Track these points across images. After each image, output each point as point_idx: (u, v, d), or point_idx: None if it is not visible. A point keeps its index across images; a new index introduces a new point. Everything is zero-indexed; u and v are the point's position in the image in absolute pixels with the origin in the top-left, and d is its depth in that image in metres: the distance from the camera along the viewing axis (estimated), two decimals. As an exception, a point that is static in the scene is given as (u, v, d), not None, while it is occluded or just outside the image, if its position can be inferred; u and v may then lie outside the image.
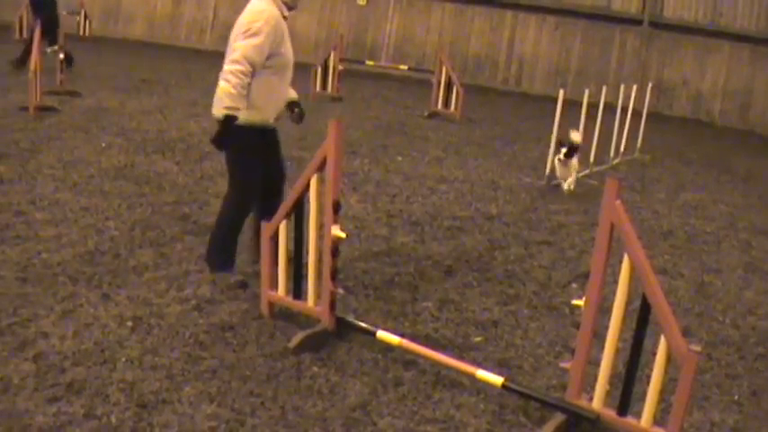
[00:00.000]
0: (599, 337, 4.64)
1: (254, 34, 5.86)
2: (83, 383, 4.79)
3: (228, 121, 5.83)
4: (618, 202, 4.29)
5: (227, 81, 5.78)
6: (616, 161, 11.71)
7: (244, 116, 5.90)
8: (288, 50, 6.17)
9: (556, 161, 9.68)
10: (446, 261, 6.98)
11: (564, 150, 9.48)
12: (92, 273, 6.25)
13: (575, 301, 4.66)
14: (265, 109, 6.12)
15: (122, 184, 8.43)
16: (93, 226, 7.22)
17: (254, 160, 6.22)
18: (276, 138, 6.51)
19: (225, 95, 5.79)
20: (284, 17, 6.11)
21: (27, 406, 4.55)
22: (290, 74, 6.32)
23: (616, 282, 4.46)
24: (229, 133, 5.88)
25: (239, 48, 5.84)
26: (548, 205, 9.03)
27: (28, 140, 9.84)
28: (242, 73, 5.79)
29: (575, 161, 9.69)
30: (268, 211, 5.97)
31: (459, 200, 8.88)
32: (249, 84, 5.87)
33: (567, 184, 9.65)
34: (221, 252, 6.31)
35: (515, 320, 6.00)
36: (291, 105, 6.50)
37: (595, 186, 10.03)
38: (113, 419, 4.48)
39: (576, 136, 9.72)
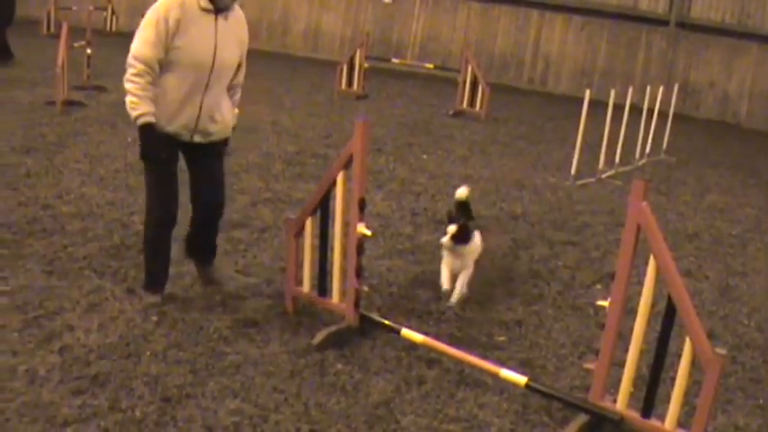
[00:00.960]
0: (623, 338, 4.63)
1: (143, 27, 5.28)
2: (108, 376, 4.83)
3: (144, 129, 5.31)
4: (644, 203, 4.28)
5: (126, 90, 5.30)
6: (641, 162, 11.66)
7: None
8: (195, 47, 5.33)
9: (443, 249, 6.23)
10: (470, 260, 6.97)
11: (451, 230, 6.17)
12: (117, 267, 6.29)
13: (599, 302, 4.65)
14: (162, 116, 5.36)
15: (148, 179, 8.43)
16: (118, 220, 7.26)
17: (158, 174, 5.63)
18: (207, 159, 5.74)
19: (128, 106, 5.31)
20: (205, 9, 5.32)
21: (52, 398, 4.59)
22: (204, 79, 5.41)
23: (641, 283, 4.45)
24: (151, 141, 5.35)
25: (131, 47, 5.31)
26: (573, 205, 9.01)
27: (55, 135, 9.89)
28: (136, 75, 5.26)
29: (473, 244, 6.28)
30: (194, 241, 6.04)
31: (485, 198, 8.87)
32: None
33: (457, 295, 6.18)
34: (145, 271, 5.91)
35: (539, 320, 5.99)
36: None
37: (620, 187, 10.00)
38: (137, 413, 4.50)
39: (462, 192, 6.81)
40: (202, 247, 6.09)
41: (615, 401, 4.59)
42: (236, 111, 5.88)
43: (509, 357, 5.38)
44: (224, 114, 5.65)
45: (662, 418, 4.42)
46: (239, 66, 5.73)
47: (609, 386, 4.67)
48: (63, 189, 7.99)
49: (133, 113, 5.30)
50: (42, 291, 5.81)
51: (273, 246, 6.92)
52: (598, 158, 10.36)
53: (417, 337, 5.15)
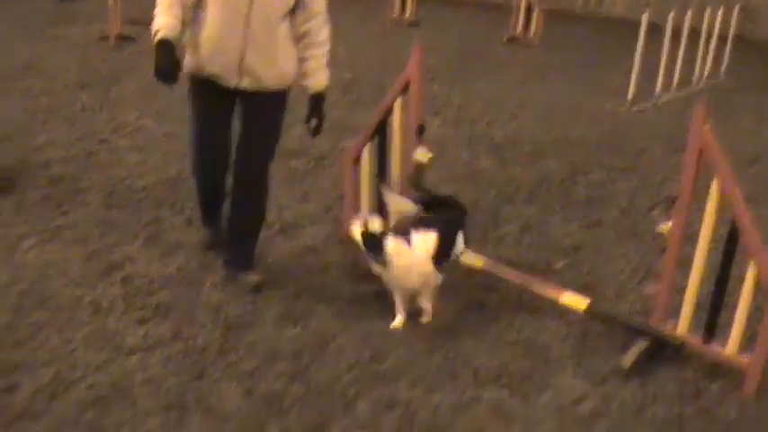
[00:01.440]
0: (683, 263, 4.58)
1: None
2: (170, 306, 4.89)
3: (156, 45, 4.58)
4: (706, 126, 4.20)
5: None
6: (699, 86, 11.46)
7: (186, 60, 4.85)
8: None
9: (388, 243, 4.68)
10: (528, 185, 6.92)
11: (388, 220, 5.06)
12: (175, 198, 6.32)
13: (661, 226, 4.59)
14: (201, 55, 4.76)
15: (204, 111, 8.44)
16: (175, 152, 7.28)
17: (197, 116, 5.11)
18: (253, 113, 4.97)
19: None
20: None
21: (117, 327, 4.66)
22: (243, 9, 4.63)
23: (701, 209, 4.38)
24: (161, 59, 4.57)
25: None
26: (630, 130, 8.89)
27: (109, 69, 9.92)
28: None
29: (427, 238, 4.80)
30: (227, 228, 5.33)
31: (541, 124, 8.78)
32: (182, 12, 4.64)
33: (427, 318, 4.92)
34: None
35: (598, 245, 5.95)
36: (312, 101, 5.09)
37: (678, 112, 9.84)
38: (200, 341, 4.56)
39: (422, 154, 5.27)
40: (229, 242, 5.32)
41: (676, 326, 4.56)
42: (320, 76, 5.04)
43: (568, 282, 5.33)
44: (280, 60, 4.82)
45: (724, 343, 4.39)
46: (304, 8, 4.82)
47: (670, 311, 4.63)
48: (119, 123, 8.03)
49: (152, 33, 4.61)
50: (102, 223, 5.87)
51: (331, 174, 6.92)
52: (655, 83, 10.19)
53: (477, 261, 5.13)
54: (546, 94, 10.45)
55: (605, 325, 4.85)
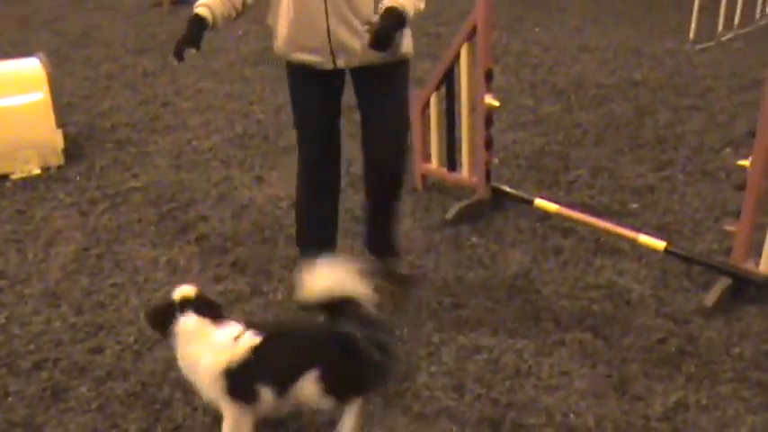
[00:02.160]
0: (761, 199, 4.48)
1: None
2: (246, 262, 4.92)
3: (189, 20, 4.08)
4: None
5: None
6: (762, 23, 11.21)
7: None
8: None
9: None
10: (595, 129, 6.82)
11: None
12: (243, 156, 6.34)
13: (740, 162, 4.50)
14: (288, 43, 4.03)
15: (263, 70, 8.45)
16: (238, 111, 7.30)
17: (302, 111, 4.37)
18: (370, 94, 4.24)
19: None
20: None
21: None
22: None
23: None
24: (184, 36, 4.07)
25: None
26: (694, 70, 8.72)
27: (165, 34, 9.93)
28: None
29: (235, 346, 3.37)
30: (365, 224, 4.72)
31: (603, 68, 8.64)
32: None
33: None
34: (297, 233, 4.74)
35: (671, 186, 5.85)
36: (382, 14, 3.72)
37: (741, 49, 9.65)
38: (279, 295, 4.58)
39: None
40: (370, 234, 4.68)
41: (758, 264, 4.47)
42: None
43: (644, 224, 5.27)
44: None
45: (808, 278, 4.32)
46: None
47: (751, 249, 4.55)
48: (180, 85, 8.06)
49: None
50: (172, 184, 5.92)
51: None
52: (716, 21, 9.99)
53: (551, 206, 5.07)
54: (606, 37, 10.28)
55: (684, 264, 4.78)
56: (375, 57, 3.89)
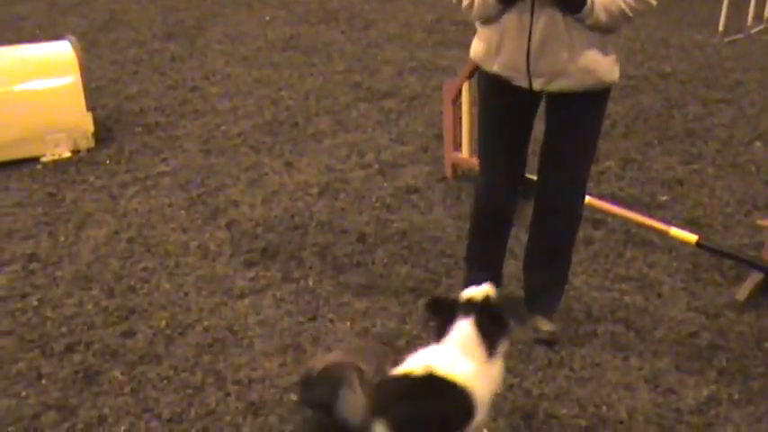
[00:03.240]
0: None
1: None
2: (277, 248, 4.92)
3: None
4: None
5: None
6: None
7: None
8: None
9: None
10: (624, 120, 6.79)
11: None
12: (272, 142, 6.35)
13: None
14: (485, 49, 3.74)
15: (291, 55, 8.46)
16: (267, 97, 7.30)
17: (489, 127, 4.01)
18: (558, 120, 3.83)
19: None
20: None
21: (226, 271, 4.71)
22: None
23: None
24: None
25: None
26: (723, 62, 8.67)
27: (193, 18, 9.93)
28: None
29: None
30: (526, 259, 4.30)
31: (631, 59, 8.59)
32: None
33: None
34: (467, 251, 4.44)
35: (700, 179, 5.83)
36: None
37: (772, 41, 9.61)
38: (310, 282, 4.59)
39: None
40: (530, 272, 4.29)
41: (790, 259, 4.47)
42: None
43: (674, 216, 5.25)
44: (582, 53, 3.55)
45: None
46: None
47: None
48: (209, 70, 8.06)
49: None
50: (202, 169, 5.92)
51: (424, 113, 6.86)
52: (746, 13, 9.92)
53: (583, 197, 5.07)
54: (634, 28, 10.21)
55: (715, 258, 4.76)
56: (574, 87, 3.63)
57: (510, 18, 3.54)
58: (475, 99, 5.33)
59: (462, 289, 3.42)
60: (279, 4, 10.60)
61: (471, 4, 3.57)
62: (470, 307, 3.22)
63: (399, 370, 3.15)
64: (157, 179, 5.79)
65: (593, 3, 3.37)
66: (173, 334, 4.20)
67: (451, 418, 3.08)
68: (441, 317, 3.28)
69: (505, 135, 3.97)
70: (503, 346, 3.23)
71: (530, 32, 3.51)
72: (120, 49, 8.75)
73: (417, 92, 7.35)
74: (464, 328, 3.17)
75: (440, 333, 3.23)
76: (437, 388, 3.06)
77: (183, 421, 3.64)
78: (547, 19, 3.47)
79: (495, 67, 3.72)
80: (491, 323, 3.20)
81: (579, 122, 3.82)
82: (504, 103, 3.87)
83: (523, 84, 3.67)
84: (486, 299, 3.25)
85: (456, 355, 3.13)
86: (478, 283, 3.36)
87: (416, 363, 3.14)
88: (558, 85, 3.63)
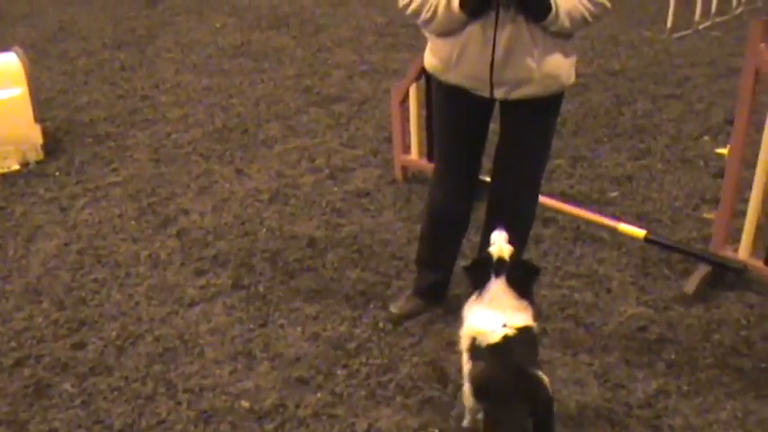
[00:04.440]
0: (739, 187, 4.51)
1: None
2: (227, 255, 4.92)
3: None
4: (762, 45, 4.09)
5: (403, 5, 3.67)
6: (738, 11, 11.26)
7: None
8: None
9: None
10: (574, 118, 6.84)
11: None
12: (223, 149, 6.34)
13: (718, 150, 4.53)
14: (441, 61, 3.72)
15: (241, 62, 8.45)
16: (217, 104, 7.29)
17: (446, 134, 4.00)
18: (514, 125, 3.84)
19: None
20: None
21: (177, 280, 4.69)
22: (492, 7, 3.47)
23: (757, 131, 4.31)
24: None
25: None
26: (671, 58, 8.75)
27: (143, 28, 9.91)
28: None
29: None
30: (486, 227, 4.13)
31: (581, 57, 8.57)
32: None
33: None
34: (418, 253, 4.43)
35: (650, 174, 5.88)
36: None
37: (718, 38, 9.69)
38: (261, 288, 4.59)
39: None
40: None
41: (737, 251, 4.50)
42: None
43: (623, 212, 5.30)
44: (546, 59, 3.59)
45: (786, 265, 4.34)
46: None
47: (729, 236, 4.58)
48: (159, 79, 8.03)
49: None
50: (152, 178, 5.90)
51: (375, 117, 6.89)
52: (694, 10, 10.02)
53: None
54: (583, 26, 10.32)
55: (663, 252, 4.81)
56: (533, 93, 3.65)
57: (472, 30, 3.53)
58: (423, 102, 5.38)
59: (415, 291, 3.86)
60: (230, 11, 10.59)
61: (432, 18, 3.55)
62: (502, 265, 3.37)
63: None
64: (108, 190, 5.76)
65: (557, 9, 3.40)
66: (124, 344, 4.18)
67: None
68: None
69: (462, 141, 3.97)
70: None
71: (494, 43, 3.51)
72: (69, 59, 8.71)
73: (368, 95, 7.37)
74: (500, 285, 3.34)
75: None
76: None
77: (135, 432, 3.64)
78: (511, 28, 3.48)
79: (453, 79, 3.71)
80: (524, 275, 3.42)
81: (536, 125, 3.86)
82: (459, 111, 3.86)
83: (484, 93, 3.67)
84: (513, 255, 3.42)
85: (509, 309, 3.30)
86: (430, 284, 3.84)
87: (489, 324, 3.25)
88: (521, 93, 3.64)
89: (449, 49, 3.64)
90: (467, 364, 3.32)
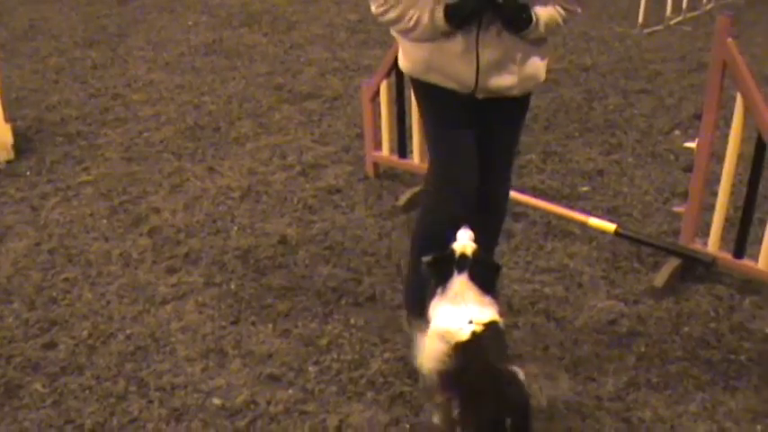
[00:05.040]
0: (708, 181, 4.55)
1: None
2: (199, 254, 4.91)
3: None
4: (730, 39, 4.13)
5: (389, 20, 3.59)
6: (709, 6, 11.32)
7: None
8: None
9: None
10: (545, 114, 6.87)
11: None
12: (194, 147, 6.33)
13: (687, 144, 4.56)
14: (420, 67, 3.70)
15: (213, 60, 8.43)
16: (189, 102, 7.27)
17: (433, 125, 3.89)
18: (494, 122, 3.79)
19: (404, 22, 3.54)
20: None
21: (148, 278, 4.69)
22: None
23: (726, 125, 4.35)
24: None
25: None
26: (642, 53, 8.80)
27: (115, 25, 9.85)
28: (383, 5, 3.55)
29: None
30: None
31: (553, 53, 8.70)
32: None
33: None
34: (406, 284, 4.25)
35: (620, 169, 5.92)
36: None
37: (689, 33, 9.74)
38: (232, 286, 4.59)
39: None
40: None
41: (706, 244, 4.54)
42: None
43: (594, 207, 5.33)
44: (526, 62, 3.60)
45: (754, 258, 4.37)
46: None
47: (699, 229, 4.62)
48: (130, 77, 8.00)
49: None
50: (124, 177, 5.89)
51: (347, 113, 6.89)
52: (665, 5, 10.07)
53: (502, 191, 5.11)
54: (555, 22, 10.35)
55: (634, 246, 4.84)
56: (515, 92, 3.68)
57: (455, 37, 3.51)
58: (394, 98, 5.39)
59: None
60: (202, 9, 10.55)
61: (413, 28, 3.51)
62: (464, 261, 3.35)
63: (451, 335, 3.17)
64: (79, 189, 5.74)
65: (537, 20, 3.43)
66: (95, 344, 4.17)
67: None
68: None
69: (460, 127, 3.80)
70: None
71: (477, 50, 3.51)
72: (40, 58, 8.65)
73: (340, 92, 7.37)
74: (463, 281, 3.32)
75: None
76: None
77: (106, 431, 3.62)
78: (495, 35, 3.47)
79: (435, 79, 3.67)
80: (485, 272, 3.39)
81: (511, 122, 3.90)
82: (450, 100, 3.72)
83: (467, 92, 3.66)
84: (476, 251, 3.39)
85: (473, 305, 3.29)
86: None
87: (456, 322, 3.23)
88: (502, 95, 3.67)
89: (427, 54, 3.61)
90: (433, 363, 3.22)
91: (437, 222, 3.80)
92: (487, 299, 3.33)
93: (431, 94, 3.78)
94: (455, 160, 3.81)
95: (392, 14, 3.54)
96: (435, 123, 3.88)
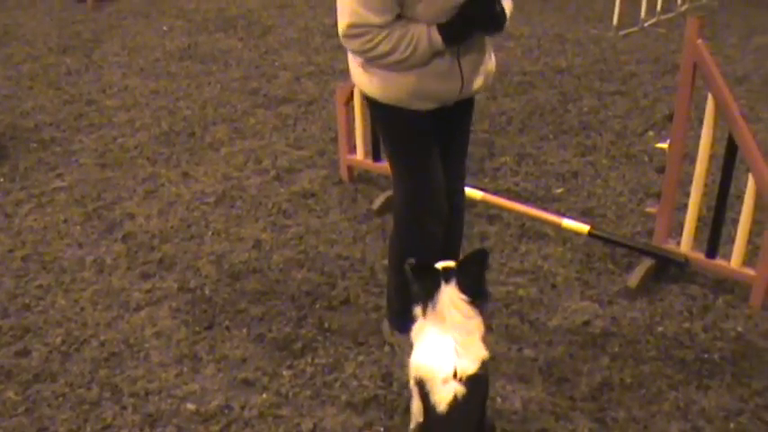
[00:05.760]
0: (680, 181, 4.57)
1: None
2: (173, 259, 4.90)
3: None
4: (700, 41, 4.16)
5: (377, 56, 3.36)
6: (684, 8, 11.38)
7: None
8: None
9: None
10: (519, 116, 6.89)
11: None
12: (169, 153, 6.31)
13: (659, 145, 4.58)
14: (405, 95, 3.51)
15: (188, 65, 8.41)
16: (164, 108, 7.26)
17: (413, 163, 3.73)
18: (459, 120, 3.87)
19: (401, 53, 3.33)
20: None
21: (122, 284, 4.67)
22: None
23: (699, 126, 4.37)
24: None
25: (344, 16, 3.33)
26: (618, 55, 8.83)
27: (89, 31, 9.82)
28: (354, 37, 3.32)
29: None
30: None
31: (527, 55, 8.72)
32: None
33: None
34: (390, 301, 4.15)
35: (594, 170, 5.94)
36: None
37: (664, 35, 9.79)
38: (207, 291, 4.58)
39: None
40: None
41: (679, 244, 4.56)
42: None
43: (568, 208, 5.35)
44: (490, 60, 3.69)
45: (727, 257, 4.40)
46: None
47: (672, 230, 4.64)
48: (105, 83, 7.98)
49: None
50: (98, 183, 5.86)
51: (322, 117, 6.89)
52: (640, 7, 10.11)
53: (476, 193, 5.09)
54: (530, 23, 10.36)
55: (608, 247, 4.86)
56: (480, 89, 3.69)
57: (442, 57, 3.43)
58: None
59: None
60: (177, 14, 10.53)
61: (411, 55, 3.33)
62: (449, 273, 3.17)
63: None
64: (53, 195, 5.72)
65: (507, 19, 3.45)
66: (69, 350, 4.15)
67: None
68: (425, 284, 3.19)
69: (432, 148, 3.74)
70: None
71: (459, 64, 3.47)
72: (14, 64, 8.62)
73: (315, 96, 7.37)
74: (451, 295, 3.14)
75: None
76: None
77: (79, 438, 3.62)
78: (472, 43, 3.45)
79: (420, 105, 3.55)
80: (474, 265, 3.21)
81: (468, 119, 3.93)
82: (425, 121, 3.64)
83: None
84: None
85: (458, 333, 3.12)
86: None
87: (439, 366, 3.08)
88: (472, 95, 3.74)
89: (415, 78, 3.45)
90: (416, 399, 3.21)
91: (416, 249, 3.67)
92: (474, 315, 3.15)
93: (402, 121, 3.63)
94: (428, 192, 3.74)
95: (383, 47, 3.30)
96: (406, 153, 3.75)
